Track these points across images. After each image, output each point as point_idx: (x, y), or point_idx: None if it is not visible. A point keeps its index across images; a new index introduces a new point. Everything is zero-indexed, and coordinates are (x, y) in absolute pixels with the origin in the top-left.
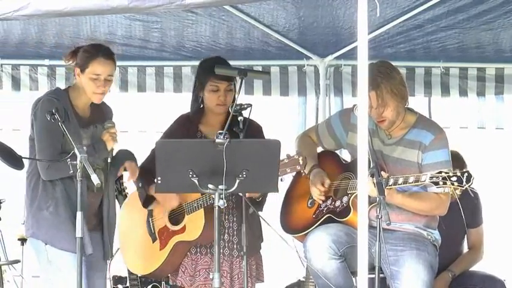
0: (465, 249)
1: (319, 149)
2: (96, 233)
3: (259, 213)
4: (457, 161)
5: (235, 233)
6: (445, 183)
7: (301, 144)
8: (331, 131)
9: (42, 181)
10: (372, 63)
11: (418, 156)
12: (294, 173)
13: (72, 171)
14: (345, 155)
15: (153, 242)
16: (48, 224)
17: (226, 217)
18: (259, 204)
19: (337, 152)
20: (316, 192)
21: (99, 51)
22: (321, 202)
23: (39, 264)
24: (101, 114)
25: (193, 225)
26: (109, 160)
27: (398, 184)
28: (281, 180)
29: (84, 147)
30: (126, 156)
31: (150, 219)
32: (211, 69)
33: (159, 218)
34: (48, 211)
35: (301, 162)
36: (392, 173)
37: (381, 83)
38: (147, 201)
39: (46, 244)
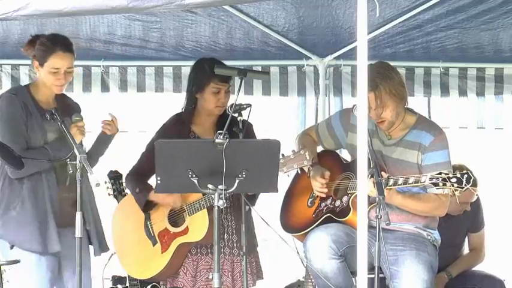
0: (466, 251)
1: (319, 148)
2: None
3: (259, 213)
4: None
5: (234, 231)
6: (444, 185)
7: (302, 142)
8: (331, 131)
9: (10, 180)
10: (370, 64)
11: (417, 157)
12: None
13: (71, 171)
14: (345, 155)
15: (154, 246)
16: (15, 223)
17: (225, 216)
18: (252, 198)
19: (337, 151)
20: (318, 186)
21: (57, 44)
22: (323, 195)
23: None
24: (67, 108)
25: (197, 225)
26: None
27: (398, 185)
28: (287, 176)
29: (83, 146)
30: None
31: (148, 222)
32: (212, 71)
33: (158, 221)
34: (15, 211)
35: (307, 157)
36: (392, 173)
37: (379, 84)
38: (146, 205)
39: (12, 246)
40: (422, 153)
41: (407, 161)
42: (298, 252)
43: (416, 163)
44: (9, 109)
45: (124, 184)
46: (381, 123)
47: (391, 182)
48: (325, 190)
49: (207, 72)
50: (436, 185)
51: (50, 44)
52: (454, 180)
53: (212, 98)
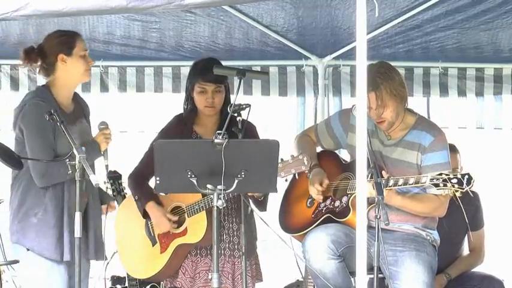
0: (465, 251)
1: (318, 149)
2: (82, 235)
3: (258, 213)
4: (452, 151)
5: (235, 233)
6: (445, 185)
7: (301, 143)
8: (331, 131)
9: (32, 186)
10: (371, 64)
11: (417, 157)
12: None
13: (70, 172)
14: (344, 155)
15: (153, 246)
16: (35, 230)
17: (226, 218)
18: (262, 203)
19: (337, 151)
20: (314, 192)
21: (74, 31)
22: (320, 201)
23: (20, 270)
24: (81, 108)
25: (196, 227)
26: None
27: (399, 185)
28: (285, 180)
29: (83, 148)
30: (108, 198)
31: (149, 222)
32: (200, 70)
33: None
34: (36, 218)
35: (305, 162)
36: (391, 173)
37: (380, 84)
38: (146, 212)
39: (28, 250)
40: (422, 154)
41: (407, 161)
42: (295, 253)
43: (415, 163)
44: (38, 118)
45: (123, 184)
46: (381, 124)
47: (391, 182)
48: (321, 197)
49: (194, 72)
50: (436, 185)
51: (68, 32)
52: (454, 181)
53: (199, 98)
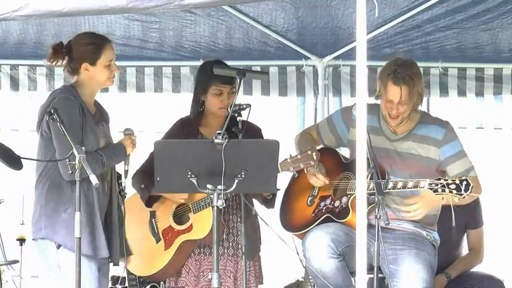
0: (464, 250)
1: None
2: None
3: (259, 214)
4: None
5: (239, 233)
6: (443, 191)
7: (301, 140)
8: (332, 128)
9: (58, 183)
10: (401, 60)
11: (434, 152)
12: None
13: (70, 171)
14: (345, 154)
15: (157, 243)
16: (66, 226)
17: (230, 217)
18: (270, 201)
19: (338, 149)
20: (319, 183)
21: (104, 39)
22: (326, 182)
23: (46, 266)
24: (103, 113)
25: (201, 224)
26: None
27: (397, 188)
28: (295, 175)
29: (83, 148)
30: None
31: (153, 220)
32: (214, 73)
33: (163, 218)
34: (66, 213)
35: (314, 157)
36: (400, 167)
37: (416, 82)
38: (149, 201)
39: (59, 247)
40: (438, 148)
41: (418, 154)
42: (298, 253)
43: (431, 158)
44: (69, 112)
45: (123, 184)
46: (394, 119)
47: (390, 185)
48: (326, 181)
49: (208, 74)
50: (435, 191)
51: (98, 40)
52: (453, 186)
53: (214, 100)
